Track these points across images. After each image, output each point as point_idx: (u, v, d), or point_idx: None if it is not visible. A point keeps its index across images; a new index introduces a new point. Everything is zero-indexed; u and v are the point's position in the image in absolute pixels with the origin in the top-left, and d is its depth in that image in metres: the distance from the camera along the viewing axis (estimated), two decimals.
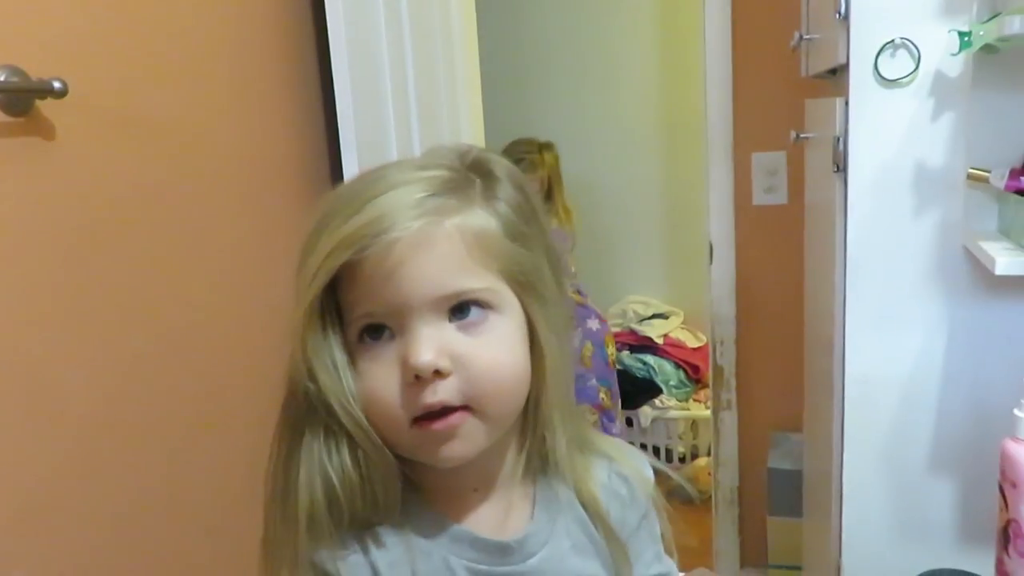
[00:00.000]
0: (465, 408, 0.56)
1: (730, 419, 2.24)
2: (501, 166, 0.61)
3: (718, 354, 2.21)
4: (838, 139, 1.18)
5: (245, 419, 1.31)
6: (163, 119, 1.20)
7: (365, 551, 0.58)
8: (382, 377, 0.55)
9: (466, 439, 0.57)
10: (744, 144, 2.11)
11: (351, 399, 0.56)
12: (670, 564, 0.72)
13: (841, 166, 1.17)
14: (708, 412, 2.70)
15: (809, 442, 1.81)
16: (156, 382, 1.16)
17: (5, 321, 0.96)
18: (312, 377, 0.55)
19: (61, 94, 1.01)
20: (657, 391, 2.91)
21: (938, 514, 1.18)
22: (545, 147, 2.71)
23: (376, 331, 0.56)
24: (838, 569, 1.29)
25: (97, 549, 1.06)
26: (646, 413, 2.89)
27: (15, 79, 0.99)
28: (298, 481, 0.56)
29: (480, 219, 0.57)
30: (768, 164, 2.09)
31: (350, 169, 1.41)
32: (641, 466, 0.71)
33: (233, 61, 1.36)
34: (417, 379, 0.54)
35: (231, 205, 1.33)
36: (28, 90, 1.01)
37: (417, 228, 0.54)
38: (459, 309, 0.56)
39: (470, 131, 1.90)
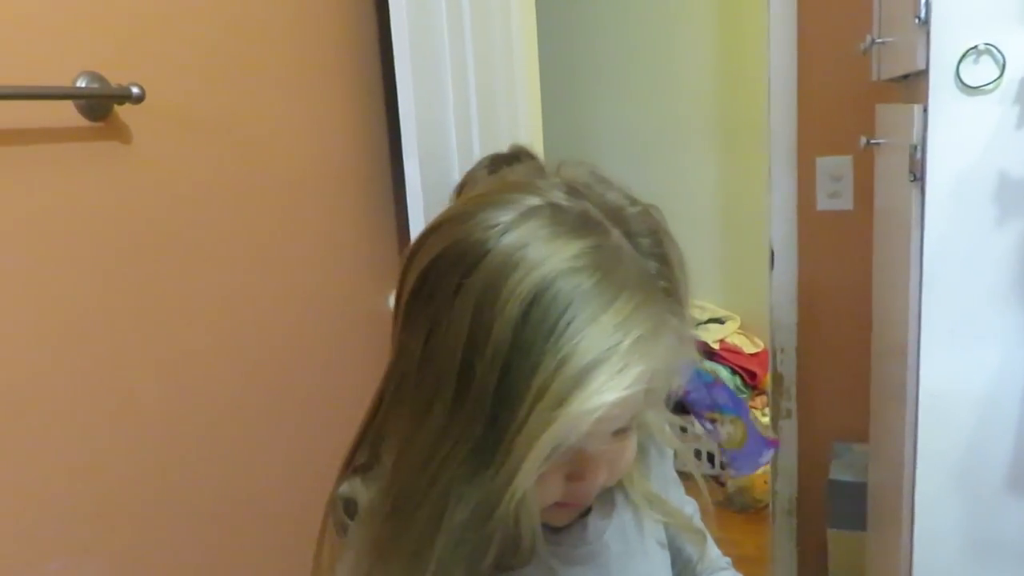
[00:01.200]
0: None
1: (790, 428, 2.20)
2: (638, 221, 0.59)
3: (778, 362, 2.17)
4: (915, 147, 1.14)
5: (312, 415, 1.33)
6: (233, 124, 1.23)
7: None
8: (544, 485, 0.55)
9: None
10: (808, 148, 2.06)
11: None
12: (694, 503, 0.77)
13: (918, 175, 1.14)
14: (764, 420, 2.66)
15: (875, 454, 1.76)
16: (225, 379, 1.18)
17: (84, 320, 0.99)
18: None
19: (139, 99, 1.03)
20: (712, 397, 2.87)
21: (1016, 535, 1.14)
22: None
23: None
24: None
25: (171, 545, 1.08)
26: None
27: (95, 85, 1.02)
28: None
29: (671, 335, 0.55)
30: (833, 169, 2.04)
31: (412, 175, 1.41)
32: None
33: (301, 66, 1.38)
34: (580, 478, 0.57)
35: (298, 208, 1.35)
36: (107, 96, 1.04)
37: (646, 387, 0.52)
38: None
39: (528, 137, 1.89)
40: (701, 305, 3.15)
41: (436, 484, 0.52)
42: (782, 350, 2.17)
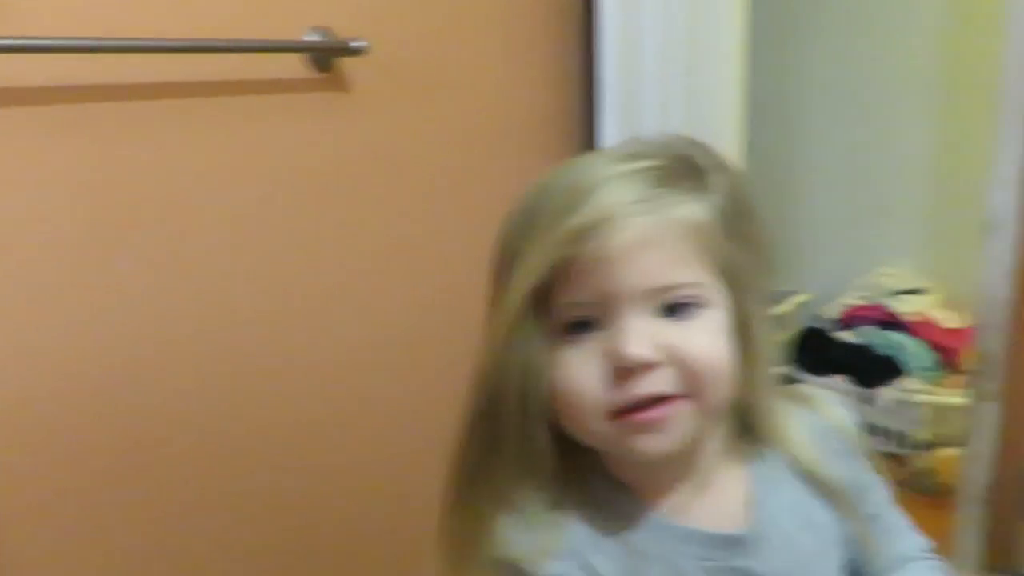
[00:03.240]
0: (682, 397, 0.55)
1: (992, 411, 2.04)
2: (712, 158, 0.59)
3: (985, 339, 2.01)
4: None
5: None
6: (448, 78, 1.27)
7: (585, 564, 0.57)
8: (585, 368, 0.55)
9: (674, 431, 0.56)
10: None
11: (541, 392, 0.56)
12: (883, 493, 0.70)
13: None
14: (959, 399, 2.48)
15: None
16: (445, 331, 1.23)
17: (300, 266, 1.07)
18: (512, 365, 0.56)
19: (362, 52, 1.09)
20: (900, 372, 2.71)
21: None
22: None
23: (582, 325, 0.56)
24: None
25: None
26: (887, 394, 2.70)
27: (323, 39, 1.09)
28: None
29: (699, 212, 0.56)
30: None
31: (609, 128, 1.41)
32: (839, 410, 0.69)
33: (512, 24, 1.39)
34: (625, 371, 0.54)
35: (498, 162, 1.38)
36: (333, 48, 1.10)
37: (640, 222, 0.53)
38: (670, 305, 0.55)
39: (731, 93, 1.82)
40: (898, 273, 2.95)
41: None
42: (991, 327, 2.00)
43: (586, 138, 1.53)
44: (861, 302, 2.91)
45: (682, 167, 0.57)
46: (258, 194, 1.02)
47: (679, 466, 0.60)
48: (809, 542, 0.62)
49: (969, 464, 2.11)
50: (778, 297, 2.66)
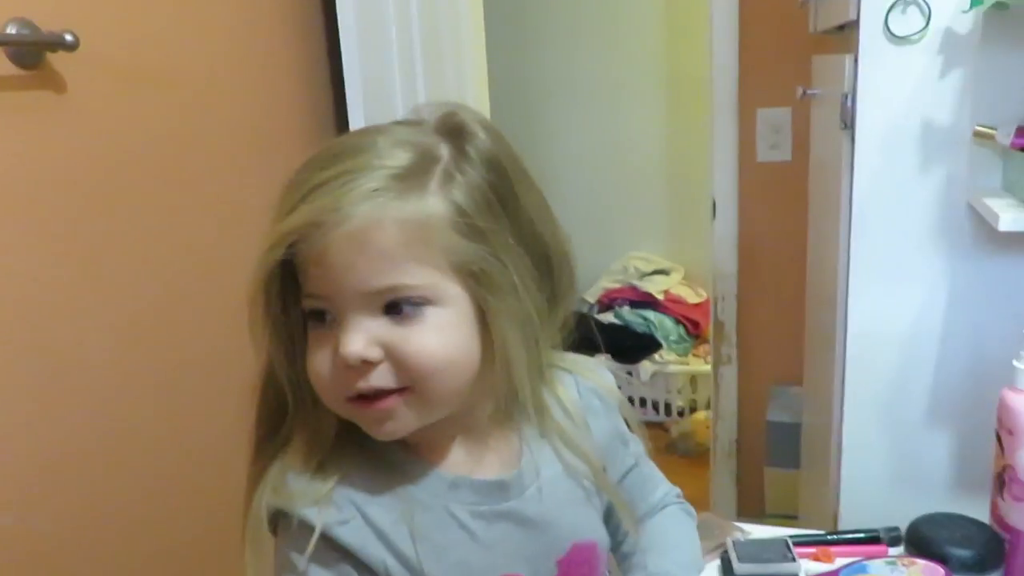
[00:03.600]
0: (402, 390, 0.58)
1: (730, 373, 2.27)
2: (478, 140, 0.60)
3: (719, 309, 2.23)
4: (846, 96, 1.18)
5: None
6: (172, 71, 1.20)
7: (363, 514, 0.59)
8: (321, 358, 0.58)
9: (398, 420, 0.59)
10: (749, 100, 2.10)
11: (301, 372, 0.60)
12: (638, 448, 0.77)
13: (849, 123, 1.18)
14: (707, 367, 2.74)
15: (808, 395, 1.84)
16: (171, 331, 1.18)
17: (18, 274, 0.97)
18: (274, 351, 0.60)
19: (72, 47, 1.01)
20: (657, 346, 2.95)
21: (934, 464, 1.22)
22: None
23: (319, 315, 0.58)
24: (835, 517, 1.33)
25: (114, 503, 1.08)
26: (646, 368, 2.93)
27: (25, 31, 0.99)
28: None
29: (428, 210, 0.56)
30: (773, 120, 2.09)
31: (355, 117, 1.41)
32: (601, 373, 0.75)
33: (242, 16, 1.35)
34: (347, 366, 0.56)
35: (239, 156, 1.33)
36: (39, 43, 1.01)
37: (354, 223, 0.54)
38: (392, 305, 0.56)
39: (473, 89, 1.89)
40: (646, 257, 3.21)
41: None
42: (723, 298, 2.23)
43: (335, 129, 1.52)
44: (616, 285, 3.13)
45: (421, 161, 0.57)
46: None
47: (452, 427, 0.64)
48: (568, 488, 0.67)
49: (717, 423, 2.34)
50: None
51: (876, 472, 1.26)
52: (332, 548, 0.58)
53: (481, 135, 0.60)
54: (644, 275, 3.13)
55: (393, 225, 0.55)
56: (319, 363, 0.58)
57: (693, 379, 2.92)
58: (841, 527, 1.29)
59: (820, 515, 1.50)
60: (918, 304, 1.18)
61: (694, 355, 2.99)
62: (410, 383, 0.57)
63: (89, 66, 1.05)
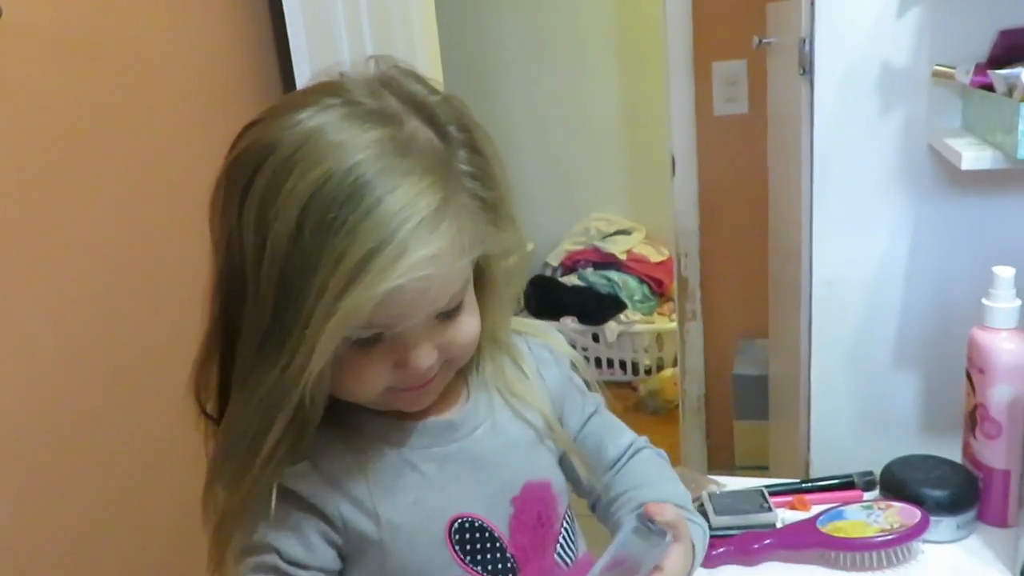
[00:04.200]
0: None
1: (696, 329, 2.28)
2: (451, 117, 0.59)
3: (682, 266, 2.23)
4: (804, 41, 1.16)
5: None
6: (102, 39, 1.14)
7: (316, 466, 0.61)
8: (374, 373, 0.58)
9: (434, 391, 0.63)
10: (704, 53, 2.08)
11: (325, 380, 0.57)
12: (596, 399, 0.78)
13: (807, 68, 1.16)
14: (673, 324, 2.74)
15: (774, 347, 1.85)
16: (116, 313, 1.14)
17: None
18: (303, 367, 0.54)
19: None
20: (622, 306, 2.95)
21: (902, 408, 1.22)
22: None
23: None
24: (807, 465, 1.34)
25: (69, 489, 1.05)
26: (611, 328, 2.93)
27: None
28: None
29: (467, 222, 0.57)
30: (729, 73, 2.07)
31: (302, 78, 1.36)
32: (551, 333, 0.77)
33: None
34: (409, 372, 0.58)
35: (180, 123, 1.28)
36: None
37: (436, 274, 0.53)
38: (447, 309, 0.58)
39: (425, 49, 1.84)
40: (607, 217, 3.19)
41: (241, 389, 0.57)
42: (686, 255, 2.23)
43: (282, 89, 1.47)
44: (578, 247, 3.12)
45: (438, 159, 0.56)
46: None
47: None
48: (519, 430, 0.68)
49: (684, 379, 2.35)
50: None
51: (845, 418, 1.26)
52: (289, 503, 0.60)
53: (429, 96, 0.59)
54: (606, 236, 3.12)
55: (454, 250, 0.55)
56: (371, 378, 0.58)
57: (659, 337, 2.93)
58: (813, 475, 1.30)
59: (791, 465, 1.51)
60: (882, 248, 1.18)
61: (659, 313, 3.00)
62: (451, 359, 0.61)
63: (12, 35, 0.99)
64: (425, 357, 0.57)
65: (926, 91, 1.08)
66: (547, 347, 0.74)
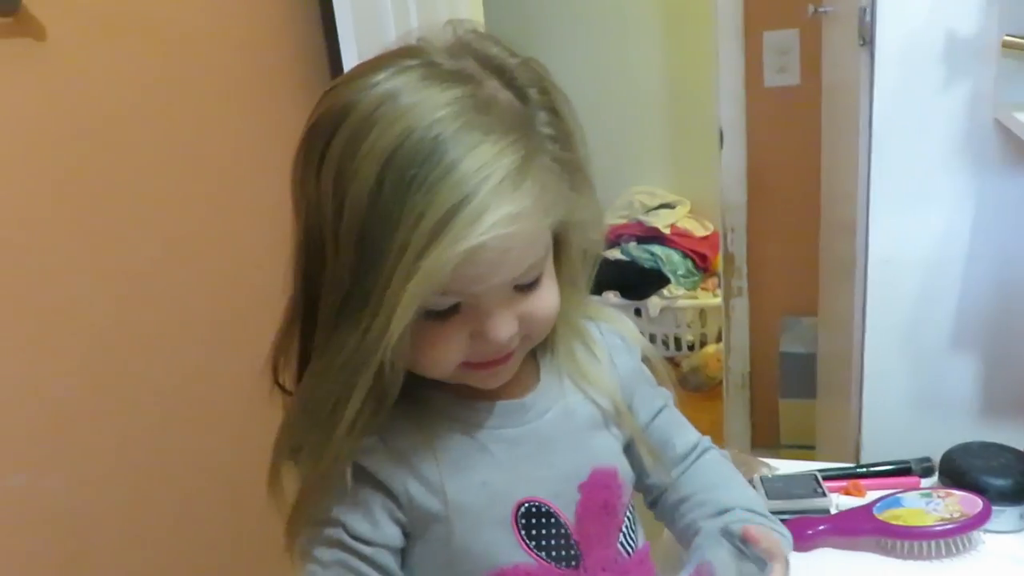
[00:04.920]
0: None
1: (741, 306, 2.25)
2: (531, 80, 0.57)
3: (729, 241, 2.20)
4: (864, 10, 1.12)
5: (250, 325, 1.30)
6: (154, 13, 1.15)
7: (384, 443, 0.60)
8: (451, 344, 0.57)
9: (512, 366, 0.61)
10: (754, 23, 2.03)
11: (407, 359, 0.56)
12: (666, 394, 0.76)
13: (867, 39, 1.12)
14: (716, 300, 2.71)
15: (824, 325, 1.81)
16: (164, 286, 1.15)
17: (6, 229, 0.94)
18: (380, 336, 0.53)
19: None
20: (665, 281, 2.91)
21: (960, 392, 1.19)
22: None
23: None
24: (857, 447, 1.31)
25: (112, 456, 1.07)
26: (654, 303, 2.90)
27: None
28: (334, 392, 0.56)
29: (549, 183, 0.55)
30: (780, 43, 2.02)
31: (349, 58, 1.35)
32: (623, 320, 0.75)
33: None
34: (488, 345, 0.56)
35: (228, 97, 1.28)
36: None
37: (516, 237, 0.52)
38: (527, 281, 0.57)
39: (468, 14, 1.82)
40: (651, 191, 3.15)
41: (321, 356, 0.56)
42: (732, 230, 2.19)
43: (328, 62, 1.46)
44: (621, 221, 3.08)
45: (518, 120, 0.54)
46: None
47: None
48: (588, 414, 0.67)
49: (729, 356, 2.32)
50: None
51: (899, 400, 1.24)
52: (357, 479, 0.59)
53: (509, 59, 0.57)
54: (649, 209, 3.08)
55: (534, 213, 0.53)
56: (447, 349, 0.57)
57: (702, 313, 2.90)
58: (864, 457, 1.27)
59: (839, 445, 1.48)
60: (942, 226, 1.14)
61: (702, 289, 2.96)
62: (530, 334, 0.60)
63: (69, 11, 0.99)
64: (503, 327, 0.56)
65: (994, 62, 1.04)
66: (619, 334, 0.72)
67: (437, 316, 0.55)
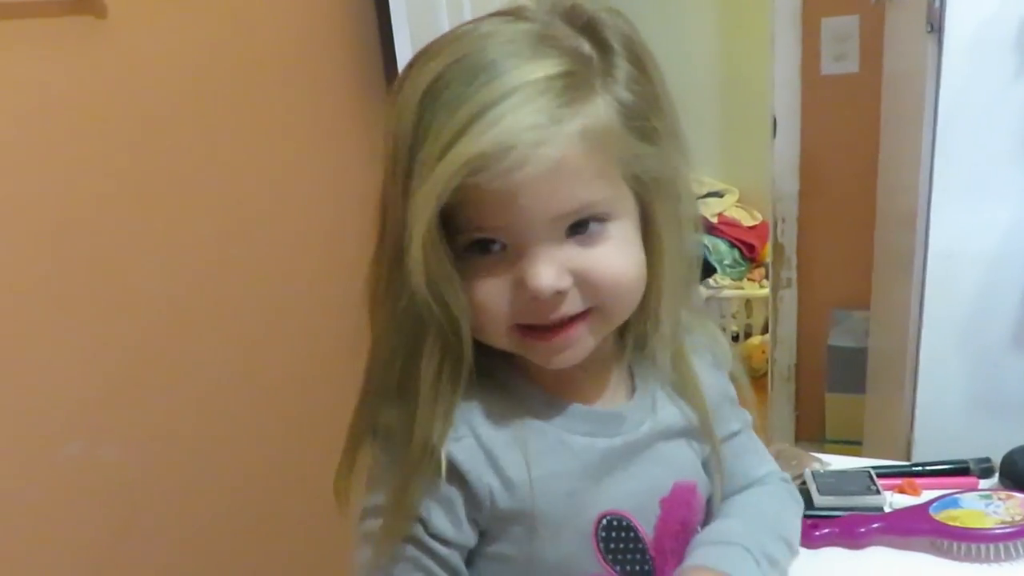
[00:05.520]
0: (585, 313, 0.54)
1: (790, 297, 2.21)
2: (616, 31, 0.54)
3: (779, 232, 2.16)
4: None
5: (305, 304, 1.32)
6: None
7: (476, 435, 0.57)
8: (494, 290, 0.53)
9: (579, 346, 0.56)
10: (813, 8, 1.98)
11: (462, 308, 0.53)
12: (746, 417, 0.72)
13: (936, 26, 1.09)
14: (763, 291, 2.67)
15: (876, 319, 1.78)
16: (220, 264, 1.16)
17: (67, 208, 0.95)
18: (429, 285, 0.52)
19: None
20: (711, 270, 2.88)
21: (1018, 391, 1.16)
22: None
23: (487, 245, 0.53)
24: (908, 445, 1.29)
25: (164, 428, 1.09)
26: (699, 293, 2.87)
27: None
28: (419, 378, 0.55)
29: (602, 117, 0.51)
30: (839, 29, 1.97)
31: (401, 41, 1.34)
32: (715, 332, 0.71)
33: None
34: (534, 299, 0.52)
35: (282, 83, 1.29)
36: None
37: (545, 150, 0.49)
38: (578, 225, 0.52)
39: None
40: (699, 179, 3.11)
41: (382, 306, 0.55)
42: (783, 220, 2.15)
43: (379, 45, 1.46)
44: None
45: (573, 64, 0.51)
46: (11, 132, 0.89)
47: None
48: (678, 430, 0.64)
49: (775, 348, 2.29)
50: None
51: (954, 399, 1.21)
52: (445, 473, 0.56)
53: (616, 24, 0.55)
54: (698, 198, 3.04)
55: (574, 139, 0.50)
56: (490, 295, 0.53)
57: (748, 303, 2.86)
58: (916, 455, 1.25)
59: (888, 442, 1.45)
60: (1006, 222, 1.11)
61: (749, 279, 2.92)
62: (597, 304, 0.54)
63: None
64: (544, 273, 0.51)
65: None
66: (710, 349, 0.69)
67: (483, 260, 0.53)
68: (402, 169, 0.51)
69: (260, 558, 1.21)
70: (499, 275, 0.53)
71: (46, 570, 0.92)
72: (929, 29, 1.10)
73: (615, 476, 0.60)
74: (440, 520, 0.56)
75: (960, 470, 0.90)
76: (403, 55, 1.33)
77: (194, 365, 1.12)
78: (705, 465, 0.67)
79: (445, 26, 1.44)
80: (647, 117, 0.54)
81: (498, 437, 0.57)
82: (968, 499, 0.79)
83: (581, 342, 0.56)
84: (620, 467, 0.61)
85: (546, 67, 0.50)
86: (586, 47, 0.53)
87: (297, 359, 1.27)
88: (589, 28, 0.54)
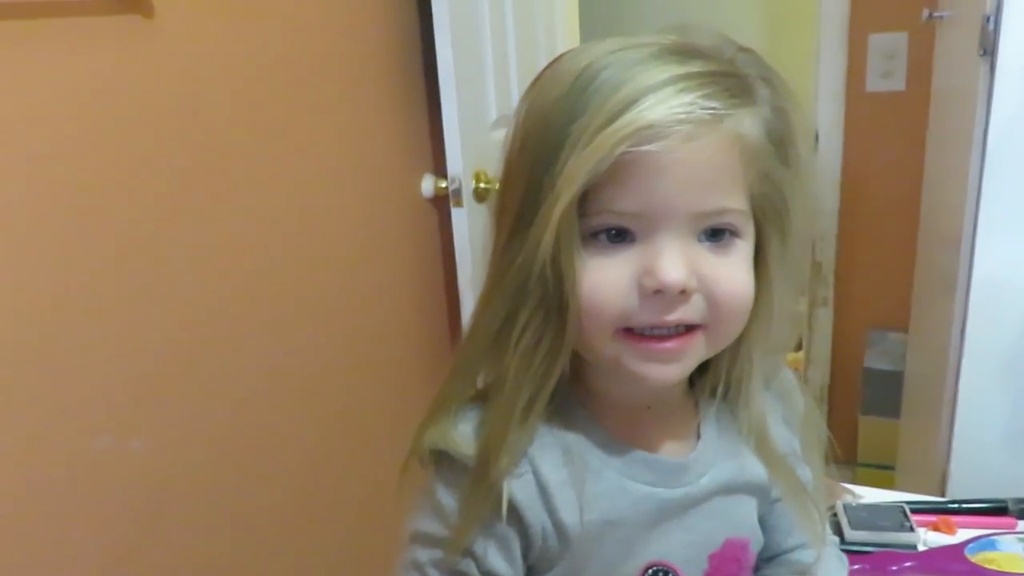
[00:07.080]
0: (699, 327, 0.52)
1: (825, 316, 2.17)
2: (759, 66, 0.53)
3: (817, 249, 2.12)
4: (988, 18, 1.06)
5: (343, 305, 1.32)
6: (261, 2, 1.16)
7: (534, 469, 0.55)
8: (612, 282, 0.50)
9: (685, 361, 0.53)
10: (861, 23, 1.95)
11: (564, 294, 0.51)
12: (807, 474, 0.67)
13: (989, 49, 1.06)
14: (798, 307, 2.62)
15: (915, 343, 1.74)
16: (257, 263, 1.17)
17: (110, 206, 0.96)
18: (554, 265, 0.50)
19: None
20: None
21: None
22: None
23: (615, 233, 0.51)
24: (943, 476, 1.25)
25: (191, 424, 1.09)
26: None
27: None
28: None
29: (756, 127, 0.50)
30: (886, 46, 1.93)
31: (444, 62, 1.33)
32: (792, 382, 0.66)
33: None
34: (657, 294, 0.50)
35: (325, 83, 1.29)
36: None
37: (698, 137, 0.47)
38: (714, 232, 0.51)
39: (563, 13, 1.80)
40: None
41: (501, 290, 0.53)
42: (822, 237, 2.12)
43: (422, 58, 1.46)
44: None
45: (730, 71, 0.51)
46: (59, 130, 0.90)
47: (646, 394, 0.58)
48: (740, 483, 0.61)
49: (809, 366, 2.25)
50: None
51: (994, 432, 1.17)
52: (503, 508, 0.54)
53: (764, 66, 0.54)
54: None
55: (732, 140, 0.49)
56: (609, 287, 0.50)
57: None
58: (951, 489, 1.22)
59: (922, 470, 1.42)
60: None
61: None
62: (712, 321, 0.52)
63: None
64: (674, 267, 0.49)
65: None
66: (785, 402, 0.64)
67: (608, 248, 0.51)
68: (552, 140, 0.49)
69: (285, 551, 1.22)
70: (621, 268, 0.50)
71: (77, 556, 0.93)
72: (982, 52, 1.07)
73: (668, 527, 0.58)
74: (496, 559, 0.55)
75: (998, 509, 0.87)
76: (444, 58, 1.32)
77: (222, 362, 1.12)
78: (762, 521, 0.64)
79: (486, 29, 1.44)
80: (790, 142, 0.53)
81: (555, 476, 0.55)
82: (1006, 542, 0.77)
83: (688, 357, 0.53)
84: (675, 519, 0.58)
85: (709, 65, 0.49)
86: (738, 63, 0.52)
87: (326, 356, 1.28)
88: (739, 54, 0.53)
